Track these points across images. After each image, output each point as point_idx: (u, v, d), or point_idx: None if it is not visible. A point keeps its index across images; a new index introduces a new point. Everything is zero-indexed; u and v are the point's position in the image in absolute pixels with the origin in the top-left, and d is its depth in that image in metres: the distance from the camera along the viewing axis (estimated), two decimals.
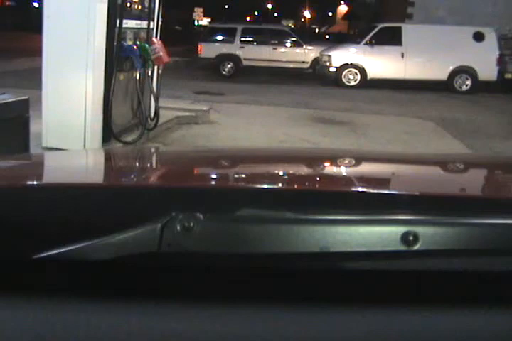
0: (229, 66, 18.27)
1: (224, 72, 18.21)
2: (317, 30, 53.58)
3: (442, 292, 0.90)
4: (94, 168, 1.58)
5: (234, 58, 18.22)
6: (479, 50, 16.13)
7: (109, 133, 6.12)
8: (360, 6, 32.29)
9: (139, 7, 6.60)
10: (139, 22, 6.61)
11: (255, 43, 18.62)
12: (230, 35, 18.58)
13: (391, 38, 16.29)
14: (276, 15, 62.86)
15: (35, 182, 1.21)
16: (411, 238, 0.87)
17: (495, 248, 0.90)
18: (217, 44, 18.52)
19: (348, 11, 40.52)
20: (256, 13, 61.74)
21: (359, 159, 1.75)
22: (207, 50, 18.24)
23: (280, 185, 1.28)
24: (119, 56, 6.10)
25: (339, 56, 16.56)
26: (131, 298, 0.86)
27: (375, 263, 0.90)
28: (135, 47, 6.35)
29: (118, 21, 5.95)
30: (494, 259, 0.91)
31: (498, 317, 0.86)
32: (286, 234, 0.88)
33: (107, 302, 0.85)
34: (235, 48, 18.36)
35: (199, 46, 18.57)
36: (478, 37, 16.33)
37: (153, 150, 2.35)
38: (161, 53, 6.82)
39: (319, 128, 9.19)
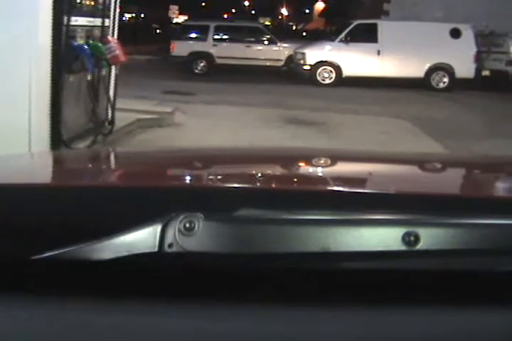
0: (202, 64, 18.01)
1: (197, 71, 17.93)
2: (294, 28, 53.40)
3: (442, 292, 0.90)
4: (93, 168, 1.56)
5: (207, 56, 17.95)
6: (456, 46, 15.94)
7: (58, 138, 5.64)
8: (336, 2, 32.06)
9: (92, 3, 6.13)
10: (91, 19, 6.15)
11: (228, 41, 18.42)
12: (202, 32, 18.35)
13: (367, 35, 16.07)
14: (253, 12, 62.73)
15: (35, 182, 1.19)
16: (412, 238, 0.86)
17: (495, 248, 0.89)
18: (189, 42, 18.29)
19: (324, 8, 40.25)
20: (233, 11, 61.47)
21: (358, 159, 1.76)
22: (179, 48, 17.96)
23: (280, 184, 1.28)
24: (67, 56, 5.62)
25: (313, 54, 16.28)
26: (131, 298, 0.86)
27: (375, 264, 0.89)
28: (86, 46, 5.85)
29: (66, 18, 5.47)
30: (494, 259, 0.91)
31: (498, 317, 0.86)
32: (287, 234, 0.88)
33: (107, 302, 0.86)
34: (207, 46, 18.11)
35: (171, 44, 18.30)
36: (455, 33, 16.17)
37: (152, 149, 2.34)
38: (117, 52, 6.34)
39: (290, 130, 8.83)
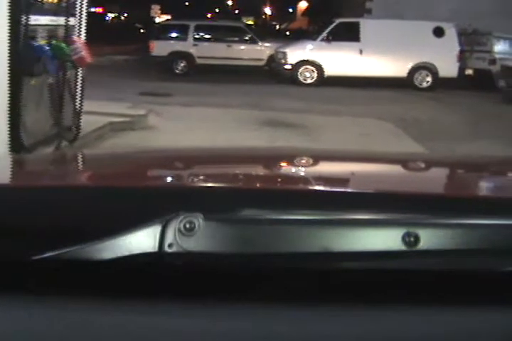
0: (182, 64, 17.76)
1: (177, 71, 17.69)
2: (278, 27, 53.35)
3: (442, 292, 0.89)
4: (93, 168, 1.55)
5: (187, 56, 17.70)
6: (439, 45, 15.82)
7: (18, 143, 5.31)
8: (320, 1, 31.88)
9: (55, 0, 5.79)
10: (54, 18, 5.81)
11: (209, 41, 18.19)
12: (182, 32, 18.11)
13: (349, 34, 15.89)
14: (237, 12, 62.67)
15: (35, 183, 1.19)
16: (412, 238, 0.87)
17: (495, 248, 0.90)
18: (169, 41, 18.04)
19: (307, 7, 40.06)
20: (217, 10, 61.35)
21: (357, 159, 1.75)
22: (159, 48, 17.69)
23: (280, 185, 1.29)
24: (27, 57, 5.28)
25: (295, 53, 16.07)
26: (131, 298, 0.86)
27: (375, 264, 0.89)
28: (48, 47, 5.51)
29: (24, 17, 5.13)
30: (494, 259, 0.91)
31: (498, 317, 0.87)
32: (287, 234, 0.88)
33: (107, 302, 0.86)
34: (187, 46, 17.86)
35: (151, 44, 18.02)
36: (439, 32, 16.07)
37: (152, 149, 2.33)
38: (83, 53, 6.00)
39: (268, 132, 8.54)
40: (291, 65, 15.92)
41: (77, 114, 6.43)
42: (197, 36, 18.07)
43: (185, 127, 8.44)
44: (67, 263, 0.86)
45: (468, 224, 0.92)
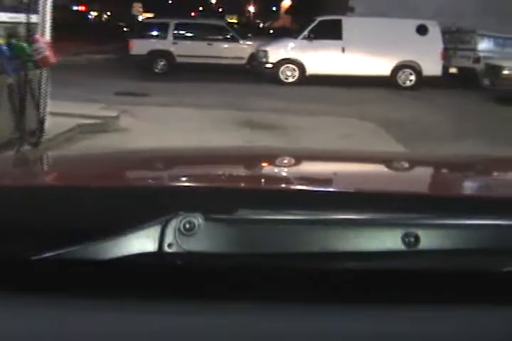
0: (162, 63, 17.49)
1: (156, 70, 17.42)
2: (261, 26, 53.36)
3: (442, 292, 0.90)
4: (93, 168, 1.50)
5: (167, 55, 17.44)
6: (423, 43, 15.63)
7: None
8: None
9: None
10: (14, 15, 5.47)
11: (189, 39, 17.95)
12: (162, 30, 17.85)
13: (331, 32, 15.68)
14: (220, 10, 62.67)
15: (35, 183, 1.20)
16: (412, 239, 0.88)
17: (494, 248, 0.91)
18: (149, 40, 17.71)
19: (290, 5, 39.84)
20: (201, 9, 61.29)
21: (354, 159, 1.75)
22: (138, 47, 17.37)
23: (280, 185, 1.30)
24: None
25: (276, 51, 15.84)
26: (131, 298, 0.86)
27: (375, 264, 0.90)
28: (6, 46, 5.18)
29: None
30: (494, 259, 0.92)
31: (498, 317, 0.87)
32: (287, 234, 0.89)
33: (107, 302, 0.86)
34: (167, 44, 17.59)
35: (130, 42, 17.71)
36: (422, 30, 15.89)
37: (152, 149, 2.26)
38: (47, 53, 5.67)
39: (246, 134, 8.26)
40: (272, 63, 15.70)
41: (41, 117, 6.08)
42: (177, 34, 17.82)
43: (160, 129, 8.13)
44: (67, 263, 0.87)
45: (468, 225, 0.92)
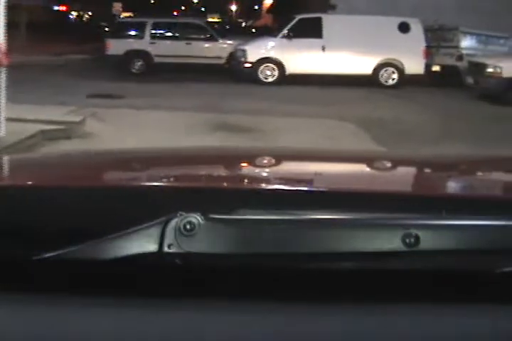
0: (139, 63, 17.16)
1: (134, 70, 17.09)
2: (244, 25, 53.44)
3: (443, 292, 0.90)
4: (92, 168, 1.49)
5: (144, 55, 17.12)
6: (405, 41, 15.40)
7: None
8: None
9: None
10: None
11: (167, 39, 17.67)
12: (139, 30, 17.51)
13: (311, 30, 15.39)
14: (203, 9, 62.77)
15: (35, 183, 1.18)
16: (412, 239, 0.88)
17: (495, 248, 0.91)
18: (126, 40, 17.38)
19: (272, 3, 39.59)
20: (183, 8, 61.34)
21: (354, 158, 1.75)
22: (115, 47, 17.05)
23: (280, 185, 1.29)
24: None
25: (255, 50, 15.54)
26: (131, 298, 0.86)
27: (375, 264, 0.90)
28: None
29: None
30: (494, 259, 0.92)
31: (498, 317, 0.87)
32: (286, 234, 0.89)
33: (107, 302, 0.86)
34: (145, 44, 17.26)
35: (107, 42, 17.38)
36: (404, 28, 15.68)
37: (153, 150, 2.22)
38: None
39: (220, 138, 7.93)
40: (251, 63, 15.38)
41: None
42: (154, 34, 17.50)
43: (128, 134, 7.70)
44: (67, 263, 0.87)
45: (468, 225, 0.92)
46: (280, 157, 1.69)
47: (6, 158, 1.74)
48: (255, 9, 60.01)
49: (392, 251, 0.88)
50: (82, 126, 7.83)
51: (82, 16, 56.05)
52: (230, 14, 62.49)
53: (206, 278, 0.89)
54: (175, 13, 47.21)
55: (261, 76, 15.36)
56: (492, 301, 0.88)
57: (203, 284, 0.89)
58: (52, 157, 1.83)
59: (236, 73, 15.84)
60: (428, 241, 0.88)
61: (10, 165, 1.52)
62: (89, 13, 56.69)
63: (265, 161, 1.64)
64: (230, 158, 1.65)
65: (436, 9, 17.40)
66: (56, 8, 46.86)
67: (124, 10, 37.08)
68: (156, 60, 17.06)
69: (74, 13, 53.94)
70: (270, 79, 15.36)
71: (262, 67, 15.36)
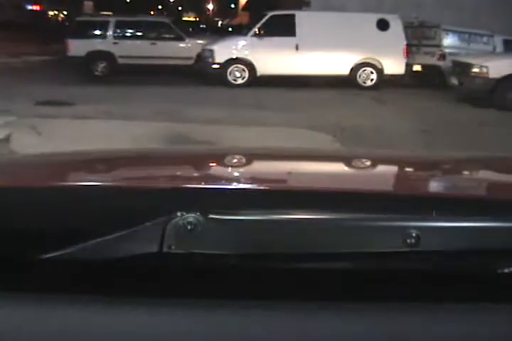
0: (102, 65, 16.30)
1: (97, 73, 16.23)
2: (220, 23, 53.04)
3: (443, 292, 0.90)
4: (92, 168, 1.51)
5: (107, 56, 16.22)
6: (384, 39, 14.62)
7: None
8: None
9: None
10: None
11: (131, 38, 16.75)
12: (102, 29, 16.63)
13: (283, 28, 14.53)
14: (180, 8, 62.29)
15: (35, 183, 1.18)
16: (413, 239, 0.88)
17: (495, 248, 0.91)
18: (87, 40, 16.39)
19: (247, 1, 38.83)
20: (160, 7, 60.67)
21: (358, 158, 1.76)
22: (76, 47, 16.11)
23: (281, 184, 1.30)
24: None
25: (223, 50, 14.56)
26: (131, 298, 0.87)
27: (376, 264, 0.90)
28: None
29: None
30: (494, 259, 0.92)
31: (498, 317, 0.88)
32: (287, 234, 0.90)
33: (107, 302, 0.87)
34: (107, 44, 16.37)
35: (67, 43, 16.37)
36: (383, 25, 14.89)
37: (153, 150, 2.24)
38: None
39: None
40: (219, 63, 14.41)
41: None
42: (118, 34, 16.61)
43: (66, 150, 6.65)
44: (68, 263, 0.87)
45: (469, 225, 0.92)
46: (280, 157, 1.69)
47: (6, 158, 1.74)
48: (232, 7, 59.53)
49: (393, 252, 0.88)
50: (5, 143, 6.75)
51: (58, 16, 55.01)
52: (207, 13, 62.13)
53: (206, 278, 0.89)
54: (151, 12, 46.41)
55: (230, 78, 14.43)
56: (492, 301, 0.88)
57: (203, 284, 0.89)
58: (52, 157, 1.76)
59: (204, 75, 14.90)
60: (429, 241, 0.89)
61: (10, 165, 1.46)
62: (65, 13, 55.58)
63: (265, 161, 1.65)
64: (230, 158, 1.65)
65: (417, 6, 16.83)
66: (30, 7, 45.98)
67: (98, 9, 36.13)
68: (120, 61, 16.17)
69: (50, 13, 52.92)
70: (240, 81, 14.44)
71: (231, 68, 14.42)
